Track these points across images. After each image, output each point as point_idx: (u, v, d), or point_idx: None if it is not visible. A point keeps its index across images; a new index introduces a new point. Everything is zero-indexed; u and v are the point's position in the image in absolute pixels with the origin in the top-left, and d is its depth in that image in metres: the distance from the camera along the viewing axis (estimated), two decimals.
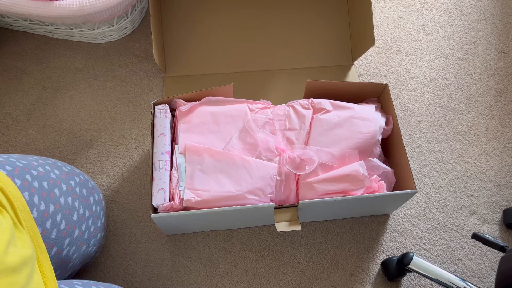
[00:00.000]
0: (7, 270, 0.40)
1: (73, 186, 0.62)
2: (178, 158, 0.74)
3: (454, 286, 0.70)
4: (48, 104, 0.96)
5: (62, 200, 0.58)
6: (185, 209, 0.71)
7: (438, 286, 0.79)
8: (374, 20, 1.01)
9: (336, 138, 0.77)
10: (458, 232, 0.86)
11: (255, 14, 1.02)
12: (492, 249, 0.83)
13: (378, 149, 0.80)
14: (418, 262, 0.73)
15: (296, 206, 0.72)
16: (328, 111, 0.79)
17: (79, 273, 0.76)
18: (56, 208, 0.57)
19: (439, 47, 1.08)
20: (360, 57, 1.01)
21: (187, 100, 0.80)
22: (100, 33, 0.99)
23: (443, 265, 0.83)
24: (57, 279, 0.59)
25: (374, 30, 0.93)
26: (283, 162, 0.75)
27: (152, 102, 0.78)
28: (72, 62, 1.01)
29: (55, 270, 0.58)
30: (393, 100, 0.83)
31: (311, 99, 0.81)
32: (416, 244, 0.84)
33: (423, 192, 0.90)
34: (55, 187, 0.58)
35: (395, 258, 0.79)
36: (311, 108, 0.80)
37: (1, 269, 0.39)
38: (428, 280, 0.80)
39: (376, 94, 0.86)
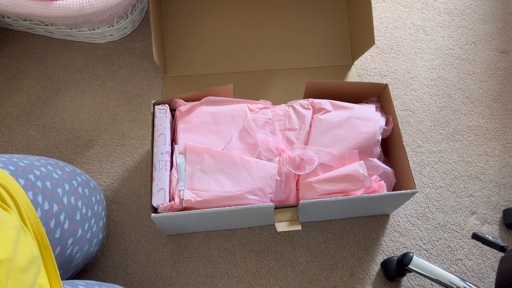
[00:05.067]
0: (16, 268, 0.40)
1: (76, 186, 0.62)
2: (178, 158, 0.74)
3: (454, 286, 0.70)
4: (48, 104, 0.96)
5: (65, 199, 0.58)
6: (185, 209, 0.71)
7: (438, 286, 0.79)
8: (374, 20, 1.01)
9: (336, 138, 0.77)
10: (458, 232, 0.86)
11: (255, 14, 1.02)
12: (492, 249, 0.83)
13: (378, 149, 0.80)
14: (418, 262, 0.73)
15: (296, 206, 0.73)
16: (328, 111, 0.79)
17: (80, 273, 0.76)
18: (60, 207, 0.57)
19: (439, 47, 1.08)
20: (360, 57, 1.01)
21: (187, 100, 0.80)
22: (100, 33, 0.99)
23: (443, 265, 0.83)
24: (61, 278, 0.59)
25: (374, 30, 0.93)
26: (283, 162, 0.75)
27: (152, 102, 0.78)
28: (72, 62, 1.01)
29: (59, 269, 0.58)
30: (393, 100, 0.83)
31: (311, 99, 0.81)
32: (416, 244, 0.84)
33: (423, 192, 0.90)
34: (58, 186, 0.58)
35: (395, 258, 0.79)
36: (311, 108, 0.80)
37: (10, 268, 0.39)
38: (428, 280, 0.80)
39: (376, 94, 0.86)
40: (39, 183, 0.55)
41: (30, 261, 0.42)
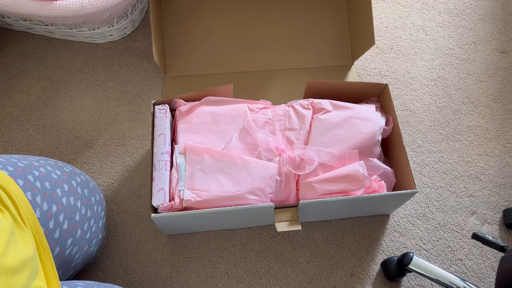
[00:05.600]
0: (6, 271, 0.40)
1: (75, 186, 0.62)
2: (178, 158, 0.74)
3: (454, 286, 0.70)
4: (48, 104, 0.96)
5: (64, 200, 0.58)
6: (185, 209, 0.71)
7: (438, 286, 0.79)
8: (374, 20, 1.01)
9: (336, 138, 0.77)
10: (458, 232, 0.86)
11: (255, 14, 1.02)
12: (492, 249, 0.83)
13: (378, 149, 0.80)
14: (418, 262, 0.73)
15: (296, 206, 0.73)
16: (328, 111, 0.79)
17: (79, 274, 0.76)
18: (59, 208, 0.57)
19: (439, 47, 1.08)
20: (360, 57, 1.01)
21: (187, 100, 0.80)
22: (100, 33, 0.99)
23: (443, 265, 0.83)
24: (60, 279, 0.59)
25: (374, 30, 0.93)
26: (283, 162, 0.75)
27: (152, 102, 0.78)
28: (72, 62, 1.01)
29: (58, 270, 0.58)
30: (393, 100, 0.83)
31: (311, 99, 0.81)
32: (416, 244, 0.84)
33: (423, 192, 0.90)
34: (57, 187, 0.58)
35: (395, 258, 0.79)
36: (311, 108, 0.80)
37: (0, 270, 0.39)
38: (428, 280, 0.80)
39: (376, 94, 0.86)
40: (38, 184, 0.55)
41: (23, 263, 0.42)
